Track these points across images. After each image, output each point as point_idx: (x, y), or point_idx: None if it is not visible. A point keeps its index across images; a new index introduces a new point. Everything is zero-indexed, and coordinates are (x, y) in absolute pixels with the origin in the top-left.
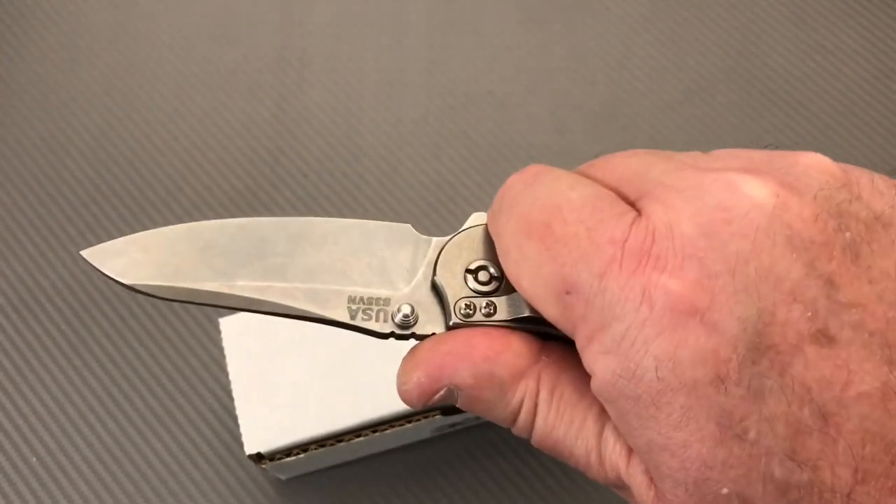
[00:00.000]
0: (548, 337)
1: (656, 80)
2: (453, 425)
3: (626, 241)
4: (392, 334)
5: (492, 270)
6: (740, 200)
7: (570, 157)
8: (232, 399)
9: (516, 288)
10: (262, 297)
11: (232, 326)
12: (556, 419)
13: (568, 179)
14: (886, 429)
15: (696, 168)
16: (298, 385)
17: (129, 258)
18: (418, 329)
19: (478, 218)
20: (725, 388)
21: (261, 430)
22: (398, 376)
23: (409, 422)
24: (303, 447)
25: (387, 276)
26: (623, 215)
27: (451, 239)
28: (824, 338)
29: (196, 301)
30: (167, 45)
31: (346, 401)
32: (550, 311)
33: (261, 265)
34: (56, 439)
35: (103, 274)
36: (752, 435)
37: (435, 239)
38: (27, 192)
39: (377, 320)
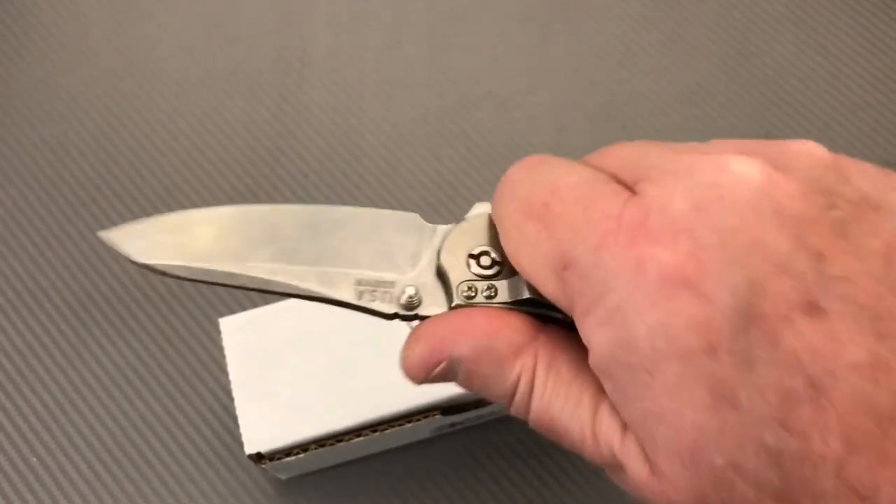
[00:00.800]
0: (547, 320)
1: (656, 80)
2: (453, 425)
3: (620, 216)
4: (397, 315)
5: (493, 255)
6: (730, 178)
7: (570, 157)
8: (232, 399)
9: (516, 269)
10: (272, 278)
11: (232, 326)
12: (553, 396)
13: (566, 165)
14: (876, 399)
15: (690, 152)
16: (298, 385)
17: (148, 240)
18: (422, 310)
19: (481, 207)
20: (717, 356)
21: (261, 430)
22: (401, 351)
23: (409, 422)
24: (303, 447)
25: (393, 261)
26: (618, 193)
27: (455, 226)
28: (814, 309)
29: (210, 280)
30: (167, 45)
31: (346, 401)
32: (549, 288)
33: (273, 248)
34: (56, 439)
35: (123, 253)
36: (744, 403)
37: (440, 227)
38: (27, 191)
39: (383, 301)
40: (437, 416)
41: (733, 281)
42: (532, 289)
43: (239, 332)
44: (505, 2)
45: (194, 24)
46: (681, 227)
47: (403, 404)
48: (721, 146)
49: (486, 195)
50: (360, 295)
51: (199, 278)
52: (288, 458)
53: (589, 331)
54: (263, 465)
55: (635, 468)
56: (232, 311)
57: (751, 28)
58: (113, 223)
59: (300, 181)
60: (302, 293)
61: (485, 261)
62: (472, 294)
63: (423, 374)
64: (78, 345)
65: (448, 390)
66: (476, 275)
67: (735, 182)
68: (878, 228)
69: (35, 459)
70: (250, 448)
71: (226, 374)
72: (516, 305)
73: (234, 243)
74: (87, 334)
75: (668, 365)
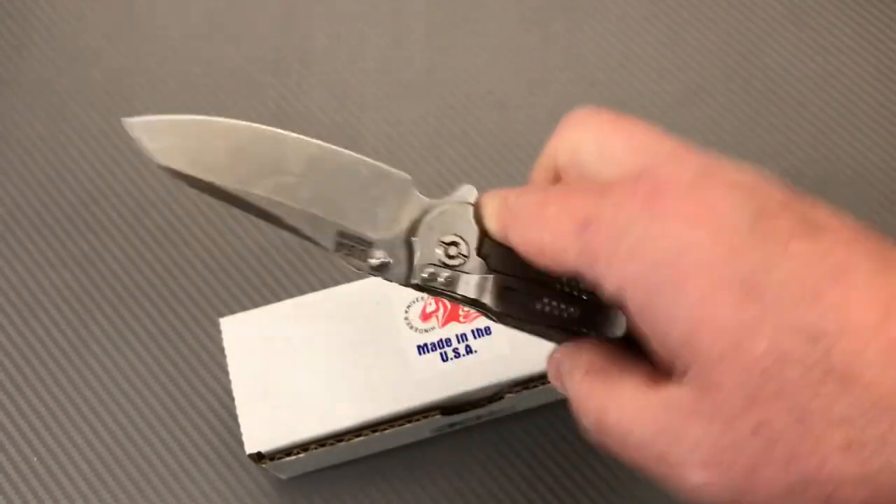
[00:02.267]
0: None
1: (656, 80)
2: (453, 425)
3: (636, 182)
4: (364, 272)
5: (461, 248)
6: (729, 166)
7: None
8: (232, 398)
9: (534, 258)
10: (269, 209)
11: (232, 326)
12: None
13: None
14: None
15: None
16: (299, 385)
17: (169, 141)
18: (384, 275)
19: (468, 192)
20: (739, 258)
21: (261, 430)
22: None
23: (409, 422)
24: (303, 447)
25: (375, 220)
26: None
27: (437, 207)
28: (815, 228)
29: (213, 195)
30: (167, 46)
31: (346, 400)
32: (571, 254)
33: (276, 180)
34: (57, 439)
35: (143, 148)
36: (770, 295)
37: (426, 200)
38: (28, 191)
39: (355, 258)
40: (437, 416)
41: (745, 203)
42: (487, 294)
43: (239, 331)
44: (505, 2)
45: (194, 25)
46: (692, 184)
47: (403, 404)
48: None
49: None
50: (338, 246)
51: (203, 189)
52: (288, 458)
53: (620, 269)
54: (264, 465)
55: (682, 399)
56: (232, 312)
57: (751, 28)
58: (113, 224)
59: None
60: (290, 229)
61: (452, 250)
62: (432, 280)
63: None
64: (78, 344)
65: (447, 390)
66: (440, 261)
67: (735, 167)
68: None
69: (36, 459)
70: (251, 447)
71: (226, 373)
72: (470, 305)
73: (243, 166)
74: (87, 334)
75: (697, 273)
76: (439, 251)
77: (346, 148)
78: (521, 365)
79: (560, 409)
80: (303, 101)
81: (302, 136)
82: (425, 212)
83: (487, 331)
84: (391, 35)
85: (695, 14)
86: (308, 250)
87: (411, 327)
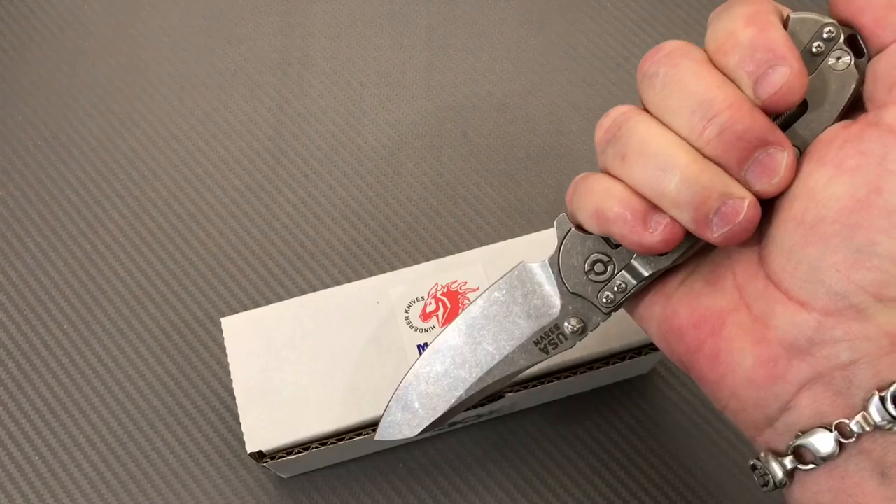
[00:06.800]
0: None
1: None
2: (453, 425)
3: None
4: (575, 343)
5: (599, 258)
6: None
7: (570, 158)
8: (233, 397)
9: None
10: (485, 384)
11: (233, 325)
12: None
13: None
14: None
15: None
16: (299, 384)
17: (403, 415)
18: (591, 328)
19: (560, 222)
20: None
21: (262, 429)
22: None
23: None
24: (304, 446)
25: (539, 311)
26: None
27: (559, 255)
28: None
29: (449, 415)
30: (169, 47)
31: (346, 399)
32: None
33: (467, 367)
34: (58, 438)
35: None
36: None
37: (548, 260)
38: (29, 191)
39: (561, 343)
40: None
41: None
42: (650, 265)
43: (240, 331)
44: (504, 3)
45: (195, 26)
46: None
47: None
48: None
49: (486, 195)
50: (545, 349)
51: (447, 418)
52: (289, 457)
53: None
54: (265, 464)
55: None
56: (233, 311)
57: None
58: (114, 223)
59: (301, 182)
60: (515, 375)
61: (598, 268)
62: (612, 298)
63: None
64: (80, 343)
65: None
66: (598, 281)
67: None
68: None
69: (37, 457)
70: (252, 446)
71: (227, 373)
72: (641, 282)
73: (449, 377)
74: (88, 333)
75: None
76: (592, 277)
77: (347, 150)
78: None
79: (560, 408)
80: (303, 101)
81: (451, 329)
82: (556, 266)
83: None
84: (391, 35)
85: (692, 15)
86: (308, 250)
87: (412, 327)
